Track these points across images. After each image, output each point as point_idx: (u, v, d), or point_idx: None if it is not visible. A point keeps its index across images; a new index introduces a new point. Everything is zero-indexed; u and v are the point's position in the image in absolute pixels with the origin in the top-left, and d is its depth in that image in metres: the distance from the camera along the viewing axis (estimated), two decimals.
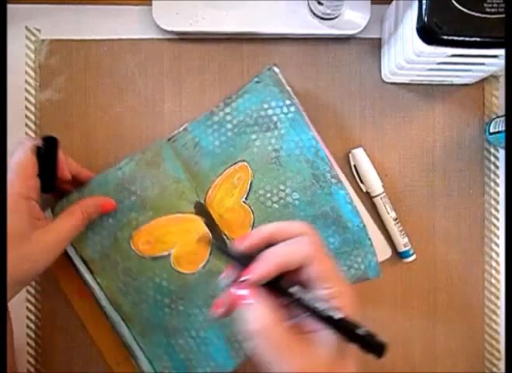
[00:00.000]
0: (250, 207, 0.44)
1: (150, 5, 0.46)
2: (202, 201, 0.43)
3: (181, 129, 0.44)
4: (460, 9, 0.36)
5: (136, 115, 0.47)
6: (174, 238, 0.42)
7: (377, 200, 0.46)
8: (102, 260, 0.41)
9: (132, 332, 0.41)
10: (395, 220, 0.46)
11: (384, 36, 0.47)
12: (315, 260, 0.29)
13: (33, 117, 0.46)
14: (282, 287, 0.29)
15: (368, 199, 0.47)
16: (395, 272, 0.48)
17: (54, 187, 0.39)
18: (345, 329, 0.28)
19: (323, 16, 0.45)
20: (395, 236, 0.47)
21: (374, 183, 0.46)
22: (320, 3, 0.44)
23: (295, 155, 0.44)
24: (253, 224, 0.44)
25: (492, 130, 0.47)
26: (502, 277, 0.48)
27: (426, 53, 0.38)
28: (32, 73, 0.46)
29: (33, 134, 0.46)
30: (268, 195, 0.44)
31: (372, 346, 0.29)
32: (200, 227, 0.43)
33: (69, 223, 0.38)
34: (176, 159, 0.43)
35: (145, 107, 0.47)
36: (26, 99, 0.46)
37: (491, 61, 0.40)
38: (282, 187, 0.44)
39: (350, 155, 0.47)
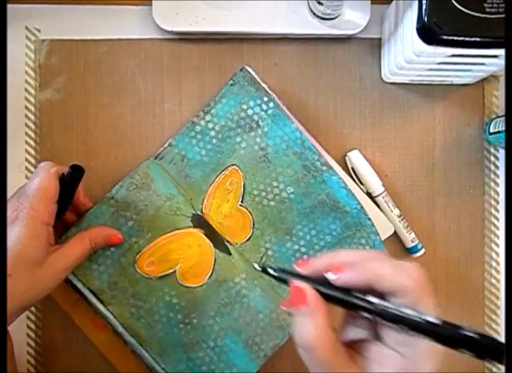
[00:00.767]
0: (247, 209, 0.44)
1: (150, 5, 0.46)
2: (199, 212, 0.43)
3: (166, 145, 0.44)
4: (460, 9, 0.36)
5: (136, 115, 0.47)
6: (177, 255, 0.42)
7: (379, 200, 0.46)
8: (111, 289, 0.41)
9: (151, 354, 0.41)
10: (400, 217, 0.47)
11: (384, 36, 0.47)
12: (413, 293, 0.25)
13: (32, 117, 0.46)
14: (355, 294, 0.26)
15: (370, 199, 0.47)
16: None
17: (65, 214, 0.40)
18: (450, 332, 0.24)
19: (323, 16, 0.45)
20: (402, 232, 0.47)
21: (374, 183, 0.46)
22: (320, 3, 0.44)
23: (282, 150, 0.44)
24: (253, 225, 0.44)
25: (492, 130, 0.47)
26: (502, 277, 0.48)
27: (426, 53, 0.38)
28: (32, 73, 0.46)
29: (32, 134, 0.46)
30: (263, 194, 0.44)
31: (489, 349, 0.25)
32: (200, 239, 0.43)
33: (78, 251, 0.38)
34: (165, 176, 0.43)
35: (145, 107, 0.47)
36: (26, 99, 0.46)
37: (491, 61, 0.40)
38: (275, 184, 0.44)
39: (346, 158, 0.47)
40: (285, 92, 0.47)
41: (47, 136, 0.46)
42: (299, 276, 0.27)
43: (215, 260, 0.43)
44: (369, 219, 0.43)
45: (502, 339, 0.48)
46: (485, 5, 0.35)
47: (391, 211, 0.46)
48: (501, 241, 0.48)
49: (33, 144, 0.46)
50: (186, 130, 0.44)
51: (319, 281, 0.26)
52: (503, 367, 0.48)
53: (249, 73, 0.44)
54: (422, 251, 0.47)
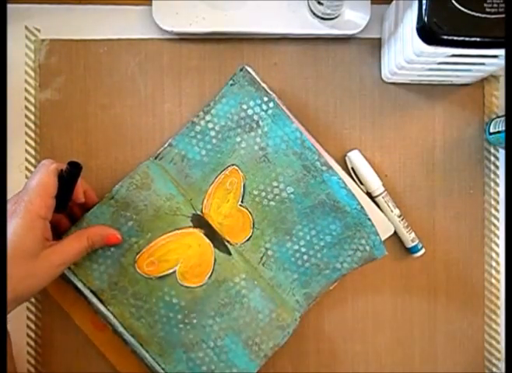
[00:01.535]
0: (247, 209, 0.44)
1: (150, 5, 0.46)
2: (199, 212, 0.43)
3: (166, 145, 0.44)
4: (460, 9, 0.36)
5: (136, 115, 0.47)
6: (176, 255, 0.42)
7: (379, 200, 0.46)
8: (111, 289, 0.41)
9: (151, 354, 0.41)
10: (400, 217, 0.47)
11: (384, 36, 0.47)
12: None
13: (32, 117, 0.46)
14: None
15: (370, 199, 0.47)
16: (395, 272, 0.48)
17: (66, 208, 0.40)
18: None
19: (323, 16, 0.45)
20: (402, 232, 0.47)
21: (373, 183, 0.46)
22: (320, 3, 0.44)
23: (282, 150, 0.44)
24: (253, 225, 0.44)
25: (492, 130, 0.47)
26: (502, 277, 0.48)
27: (426, 53, 0.38)
28: (32, 73, 0.46)
29: (32, 134, 0.46)
30: (263, 194, 0.44)
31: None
32: (200, 239, 0.43)
33: (75, 247, 0.39)
34: (165, 176, 0.43)
35: (145, 107, 0.47)
36: (26, 99, 0.46)
37: (491, 61, 0.40)
38: (275, 184, 0.44)
39: (346, 158, 0.47)
40: (285, 92, 0.47)
41: (47, 136, 0.46)
42: None
43: (215, 260, 0.43)
44: (369, 219, 0.43)
45: (502, 339, 0.48)
46: (485, 5, 0.35)
47: (391, 211, 0.46)
48: (501, 241, 0.48)
49: (33, 144, 0.46)
50: (186, 130, 0.44)
51: None
52: (503, 368, 0.48)
53: (249, 73, 0.44)
54: (422, 251, 0.47)
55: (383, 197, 0.46)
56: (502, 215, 0.48)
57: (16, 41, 0.46)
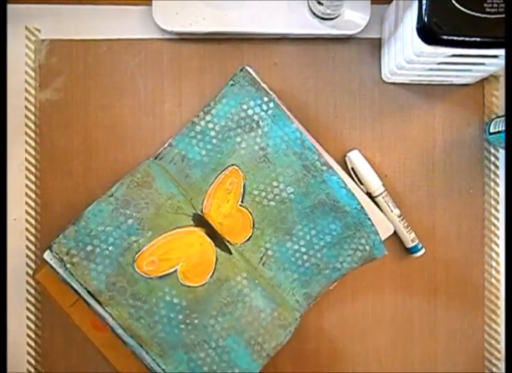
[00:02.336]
0: (247, 209, 0.44)
1: (150, 5, 0.46)
2: (199, 212, 0.43)
3: (166, 145, 0.44)
4: (460, 9, 0.36)
5: (136, 115, 0.47)
6: (178, 254, 0.42)
7: (379, 200, 0.46)
8: (109, 290, 0.41)
9: (151, 355, 0.41)
10: (400, 217, 0.47)
11: (384, 36, 0.47)
12: None
13: (32, 117, 0.46)
14: None
15: (370, 199, 0.47)
16: (395, 272, 0.48)
17: None
18: None
19: (323, 16, 0.45)
20: (402, 233, 0.47)
21: (373, 183, 0.46)
22: (320, 3, 0.44)
23: (282, 150, 0.44)
24: (253, 225, 0.44)
25: (492, 130, 0.47)
26: (502, 277, 0.48)
27: (426, 53, 0.38)
28: (32, 73, 0.47)
29: (32, 134, 0.46)
30: (263, 194, 0.44)
31: None
32: (201, 238, 0.43)
33: None
34: (166, 176, 0.43)
35: (145, 107, 0.47)
36: (26, 99, 0.46)
37: (491, 61, 0.40)
38: (275, 184, 0.44)
39: (346, 158, 0.47)
40: (285, 92, 0.47)
41: (47, 136, 0.47)
42: None
43: (216, 259, 0.43)
44: (369, 219, 0.43)
45: (502, 339, 0.48)
46: (485, 5, 0.35)
47: (391, 211, 0.46)
48: (501, 241, 0.48)
49: (33, 144, 0.46)
50: (186, 131, 0.44)
51: None
52: (503, 368, 0.48)
53: (249, 73, 0.44)
54: (422, 251, 0.47)
55: (383, 197, 0.46)
56: (502, 215, 0.48)
57: (16, 41, 0.46)
